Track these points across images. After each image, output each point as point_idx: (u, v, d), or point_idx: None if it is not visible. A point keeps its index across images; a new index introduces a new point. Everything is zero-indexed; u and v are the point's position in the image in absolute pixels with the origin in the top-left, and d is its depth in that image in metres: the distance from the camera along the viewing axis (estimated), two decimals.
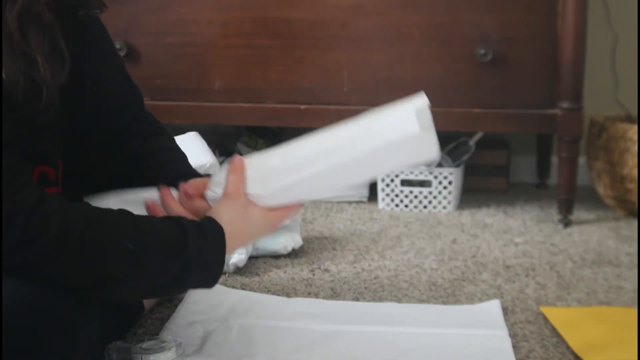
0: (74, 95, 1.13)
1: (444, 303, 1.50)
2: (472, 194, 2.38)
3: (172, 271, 1.02)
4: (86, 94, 1.18)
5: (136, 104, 1.30)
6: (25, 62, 0.98)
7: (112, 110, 1.25)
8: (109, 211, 1.01)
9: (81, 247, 0.96)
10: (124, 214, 1.03)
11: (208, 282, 1.09)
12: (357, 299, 1.52)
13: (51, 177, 1.11)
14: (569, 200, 2.06)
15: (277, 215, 1.14)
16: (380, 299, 1.52)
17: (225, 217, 1.10)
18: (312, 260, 1.74)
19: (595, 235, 1.97)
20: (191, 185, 1.18)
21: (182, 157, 1.32)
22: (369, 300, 1.51)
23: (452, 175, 2.20)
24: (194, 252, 1.03)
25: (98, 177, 1.30)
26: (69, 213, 0.96)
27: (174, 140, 1.34)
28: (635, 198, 2.11)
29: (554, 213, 2.15)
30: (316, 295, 1.53)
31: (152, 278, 1.02)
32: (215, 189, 1.15)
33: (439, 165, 2.23)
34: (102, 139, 1.26)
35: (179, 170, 1.27)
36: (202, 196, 1.16)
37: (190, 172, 1.28)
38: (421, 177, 2.21)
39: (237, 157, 1.15)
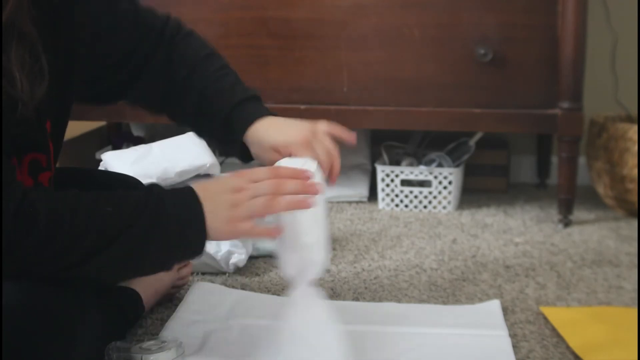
0: (69, 66, 1.14)
1: (444, 303, 1.50)
2: (472, 194, 2.38)
3: (139, 229, 1.00)
4: (81, 39, 1.17)
5: (142, 33, 1.27)
6: (3, 77, 0.98)
7: (112, 40, 1.24)
8: (85, 193, 1.01)
9: (68, 233, 0.97)
10: (97, 193, 1.02)
11: (192, 243, 1.05)
12: (357, 299, 1.52)
13: (43, 163, 1.11)
14: (569, 200, 2.06)
15: (241, 223, 1.07)
16: (380, 299, 1.52)
17: (211, 184, 1.08)
18: None
19: (595, 235, 1.97)
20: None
21: (221, 80, 1.28)
22: (369, 300, 1.51)
23: (452, 175, 2.20)
24: (159, 208, 1.01)
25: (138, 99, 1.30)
26: (52, 203, 0.97)
27: (198, 48, 1.30)
28: (635, 198, 2.11)
29: (554, 213, 2.15)
30: None
31: (130, 243, 1.00)
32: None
33: (439, 165, 2.23)
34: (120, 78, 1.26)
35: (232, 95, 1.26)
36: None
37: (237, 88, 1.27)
38: (421, 177, 2.21)
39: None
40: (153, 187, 1.06)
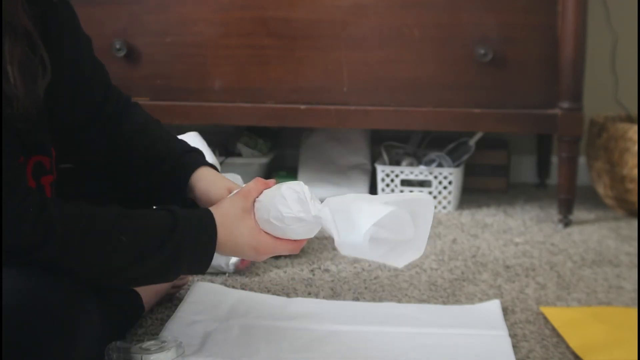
0: (54, 80, 1.13)
1: (444, 303, 1.50)
2: (472, 194, 2.38)
3: (162, 256, 1.06)
4: (63, 75, 1.17)
5: (105, 78, 1.29)
6: None
7: (85, 87, 1.24)
8: (104, 209, 1.05)
9: (82, 247, 1.01)
10: (117, 209, 1.07)
11: (199, 267, 1.12)
12: (357, 299, 1.52)
13: (47, 165, 1.12)
14: (569, 200, 2.06)
15: (266, 243, 1.14)
16: (380, 299, 1.52)
17: (221, 209, 1.13)
18: (312, 260, 1.74)
19: (595, 235, 1.97)
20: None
21: (170, 136, 1.32)
22: (369, 300, 1.51)
23: (452, 175, 2.20)
24: (182, 238, 1.07)
25: (81, 162, 1.31)
26: (69, 216, 1.00)
27: (148, 114, 1.33)
28: (635, 198, 2.11)
29: (554, 213, 2.15)
30: (316, 295, 1.53)
31: (144, 264, 1.06)
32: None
33: (439, 165, 2.23)
34: (77, 120, 1.24)
35: (178, 150, 1.28)
36: None
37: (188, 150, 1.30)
38: (421, 177, 2.21)
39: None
40: (176, 220, 1.09)
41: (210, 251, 1.12)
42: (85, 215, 1.02)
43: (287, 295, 1.53)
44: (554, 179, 2.46)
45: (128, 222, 1.06)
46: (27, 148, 1.08)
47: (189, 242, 1.08)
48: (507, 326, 1.37)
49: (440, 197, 2.20)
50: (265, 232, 1.14)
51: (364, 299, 1.52)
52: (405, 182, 2.22)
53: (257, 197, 1.15)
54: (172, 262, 1.08)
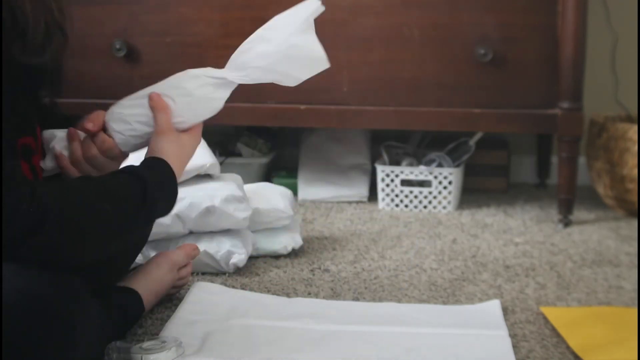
0: None
1: (444, 303, 1.50)
2: (472, 194, 2.38)
3: (143, 214, 1.14)
4: None
5: None
6: (44, 7, 1.06)
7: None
8: (77, 181, 1.13)
9: (77, 222, 1.03)
10: (91, 181, 1.14)
11: (167, 211, 1.21)
12: (357, 299, 1.52)
13: (33, 146, 1.14)
14: (569, 200, 2.06)
15: (195, 131, 1.25)
16: (380, 299, 1.52)
17: (168, 151, 1.20)
18: (312, 260, 1.74)
19: (595, 235, 1.97)
20: (91, 120, 1.22)
21: None
22: (369, 300, 1.51)
23: (452, 175, 2.20)
24: (154, 193, 1.14)
25: None
26: (59, 196, 1.02)
27: None
28: (635, 198, 2.11)
29: (554, 213, 2.15)
30: (316, 295, 1.53)
31: (130, 225, 1.13)
32: (47, 162, 1.20)
33: (439, 165, 2.23)
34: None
35: None
36: (104, 129, 1.22)
37: None
38: (421, 177, 2.21)
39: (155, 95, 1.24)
40: (141, 176, 1.15)
41: (174, 196, 1.21)
42: (69, 188, 1.06)
43: (287, 295, 1.53)
44: (554, 179, 2.46)
45: (104, 190, 1.10)
46: (16, 129, 1.10)
47: (159, 192, 1.16)
48: (507, 326, 1.37)
49: (440, 197, 2.20)
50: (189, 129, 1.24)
51: (364, 299, 1.52)
52: (405, 182, 2.22)
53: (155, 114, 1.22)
54: (150, 215, 1.17)
